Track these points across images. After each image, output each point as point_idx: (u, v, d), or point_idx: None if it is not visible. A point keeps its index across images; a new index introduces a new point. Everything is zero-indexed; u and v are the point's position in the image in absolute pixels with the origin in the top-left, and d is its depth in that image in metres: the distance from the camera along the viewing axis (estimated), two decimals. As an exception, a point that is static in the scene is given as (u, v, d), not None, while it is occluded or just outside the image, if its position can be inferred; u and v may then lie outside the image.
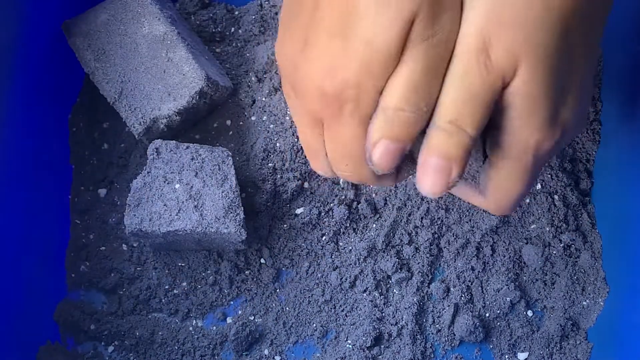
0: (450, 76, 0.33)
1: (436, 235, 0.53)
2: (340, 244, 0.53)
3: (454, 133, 0.33)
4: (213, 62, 0.56)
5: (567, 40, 0.33)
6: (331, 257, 0.53)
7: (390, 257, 0.52)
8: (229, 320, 0.53)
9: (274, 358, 0.52)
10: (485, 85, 0.32)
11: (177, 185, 0.50)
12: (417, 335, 0.51)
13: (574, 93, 0.34)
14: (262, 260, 0.53)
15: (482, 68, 0.32)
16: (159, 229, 0.49)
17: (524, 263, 0.53)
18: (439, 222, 0.53)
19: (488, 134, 0.36)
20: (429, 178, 0.34)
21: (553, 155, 0.36)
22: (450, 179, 0.34)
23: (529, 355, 0.51)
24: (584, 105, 0.36)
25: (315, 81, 0.35)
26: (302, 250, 0.53)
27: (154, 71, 0.53)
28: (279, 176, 0.54)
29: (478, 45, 0.32)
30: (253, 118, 0.56)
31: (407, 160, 0.38)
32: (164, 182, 0.50)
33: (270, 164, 0.54)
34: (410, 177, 0.46)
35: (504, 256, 0.53)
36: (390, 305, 0.52)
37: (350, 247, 0.53)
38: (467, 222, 0.53)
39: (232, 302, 0.53)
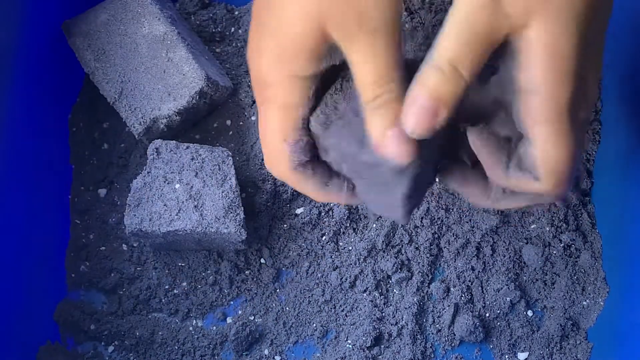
0: (453, 18, 0.33)
1: (436, 235, 0.53)
2: (340, 244, 0.53)
3: (449, 75, 0.33)
4: (213, 62, 0.56)
5: (589, 14, 0.33)
6: (331, 257, 0.53)
7: (390, 257, 0.52)
8: (229, 320, 0.53)
9: (274, 358, 0.52)
10: (489, 26, 0.32)
11: (177, 185, 0.50)
12: (417, 335, 0.51)
13: (595, 64, 0.34)
14: (262, 260, 0.53)
15: (488, 11, 0.32)
16: (159, 229, 0.49)
17: (524, 263, 0.53)
18: (439, 222, 0.53)
19: (518, 106, 0.34)
20: (415, 115, 0.33)
21: (588, 121, 0.35)
22: (436, 121, 0.33)
23: (529, 355, 0.51)
24: (597, 86, 0.36)
25: (256, 72, 0.37)
26: (302, 250, 0.53)
27: (154, 71, 0.53)
28: (279, 176, 0.54)
29: None
30: (253, 118, 0.56)
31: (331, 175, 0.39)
32: (164, 182, 0.50)
33: (270, 164, 0.54)
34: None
35: (504, 256, 0.53)
36: (390, 305, 0.52)
37: (350, 247, 0.53)
38: (467, 222, 0.53)
39: (232, 302, 0.53)
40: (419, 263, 0.53)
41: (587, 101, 0.35)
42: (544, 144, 0.34)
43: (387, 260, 0.52)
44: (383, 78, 0.34)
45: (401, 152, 0.34)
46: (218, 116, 0.56)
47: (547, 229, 0.53)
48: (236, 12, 0.59)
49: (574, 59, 0.33)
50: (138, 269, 0.53)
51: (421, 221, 0.53)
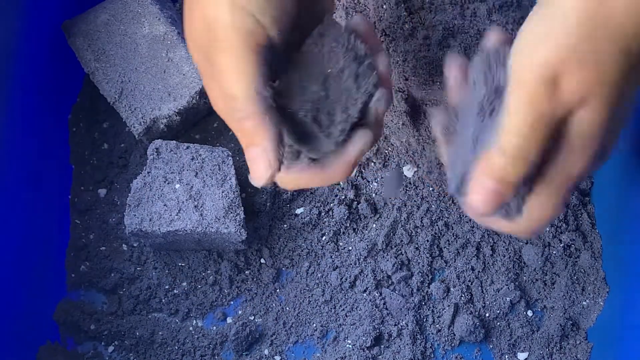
0: (513, 103, 0.33)
1: (436, 235, 0.53)
2: (340, 244, 0.53)
3: (515, 158, 0.33)
4: (213, 62, 0.56)
5: (632, 84, 0.33)
6: (331, 257, 0.53)
7: (390, 257, 0.52)
8: (229, 320, 0.53)
9: (274, 358, 0.52)
10: (550, 110, 0.33)
11: (177, 185, 0.50)
12: (417, 335, 0.51)
13: (619, 131, 0.35)
14: (262, 260, 0.53)
15: (549, 94, 0.32)
16: (159, 229, 0.49)
17: (524, 263, 0.53)
18: (439, 222, 0.53)
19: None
20: (481, 197, 0.35)
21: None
22: (502, 200, 0.35)
23: (529, 355, 0.51)
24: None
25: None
26: (302, 250, 0.53)
27: (154, 71, 0.53)
28: (279, 176, 0.54)
29: (547, 74, 0.32)
30: (253, 118, 0.56)
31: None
32: (164, 182, 0.50)
33: (270, 164, 0.54)
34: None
35: (504, 256, 0.53)
36: (391, 305, 0.52)
37: (350, 247, 0.53)
38: (467, 222, 0.53)
39: (232, 302, 0.53)
40: (419, 263, 0.53)
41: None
42: (539, 203, 0.36)
43: (387, 260, 0.52)
44: (237, 95, 0.35)
45: (255, 174, 0.36)
46: (218, 116, 0.56)
47: (547, 229, 0.53)
48: (236, 12, 0.59)
49: (602, 143, 0.34)
50: (138, 269, 0.53)
51: (421, 221, 0.53)
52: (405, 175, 0.54)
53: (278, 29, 0.35)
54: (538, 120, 0.33)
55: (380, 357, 0.51)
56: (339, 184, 0.54)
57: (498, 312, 0.52)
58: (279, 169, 0.36)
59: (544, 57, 0.32)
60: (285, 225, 0.54)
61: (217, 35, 0.34)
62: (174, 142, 0.51)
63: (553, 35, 0.32)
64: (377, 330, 0.51)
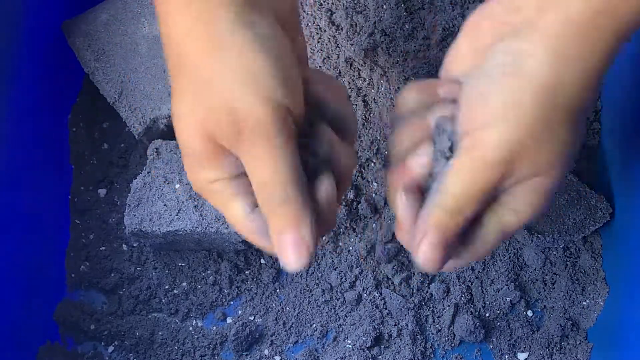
0: (462, 169, 0.34)
1: (436, 235, 0.53)
2: (340, 244, 0.54)
3: (456, 216, 0.35)
4: (213, 62, 0.56)
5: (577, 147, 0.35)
6: (331, 257, 0.53)
7: (390, 257, 0.52)
8: (229, 320, 0.53)
9: (273, 358, 0.52)
10: (497, 182, 0.34)
11: (177, 185, 0.50)
12: (417, 335, 0.51)
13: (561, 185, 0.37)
14: (262, 261, 0.53)
15: (501, 172, 0.34)
16: (159, 229, 0.49)
17: (524, 263, 0.53)
18: (439, 222, 0.53)
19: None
20: (428, 249, 0.36)
21: None
22: (446, 251, 0.36)
23: (529, 355, 0.51)
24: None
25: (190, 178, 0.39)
26: (302, 250, 0.53)
27: (154, 71, 0.53)
28: (279, 176, 0.54)
29: (502, 156, 0.33)
30: (253, 118, 0.56)
31: None
32: (164, 182, 0.50)
33: (270, 164, 0.54)
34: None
35: (504, 256, 0.53)
36: (391, 305, 0.52)
37: (350, 247, 0.53)
38: (467, 222, 0.53)
39: (232, 302, 0.53)
40: (419, 263, 0.53)
41: None
42: (485, 238, 0.37)
43: (387, 260, 0.52)
44: (272, 181, 0.34)
45: (293, 259, 0.35)
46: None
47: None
48: (236, 12, 0.59)
49: (546, 201, 0.36)
50: (138, 269, 0.53)
51: (421, 221, 0.53)
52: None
53: (299, 111, 0.35)
54: (483, 190, 0.34)
55: (380, 357, 0.51)
56: (339, 184, 0.54)
57: (498, 312, 0.52)
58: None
59: (500, 137, 0.33)
60: (285, 225, 0.54)
61: (247, 125, 0.33)
62: (174, 142, 0.51)
63: (512, 112, 0.32)
64: (377, 330, 0.51)
